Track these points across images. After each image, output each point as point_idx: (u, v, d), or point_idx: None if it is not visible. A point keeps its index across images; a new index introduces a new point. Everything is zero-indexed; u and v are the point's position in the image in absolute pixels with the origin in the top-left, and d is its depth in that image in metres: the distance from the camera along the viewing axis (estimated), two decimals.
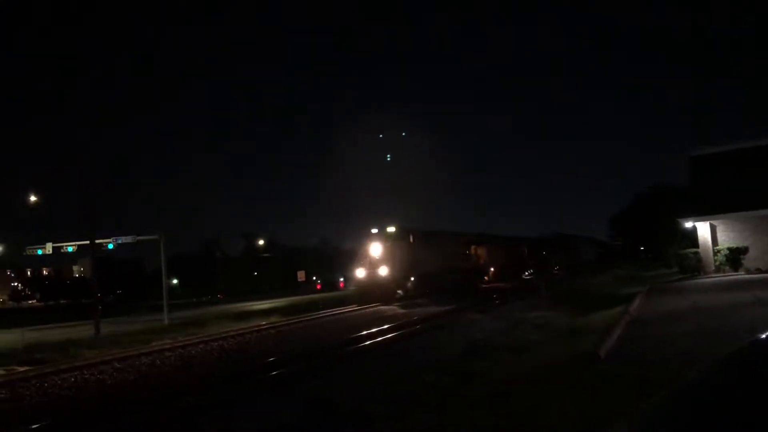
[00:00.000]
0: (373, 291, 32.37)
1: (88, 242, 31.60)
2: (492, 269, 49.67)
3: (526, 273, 58.60)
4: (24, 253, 36.08)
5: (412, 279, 35.25)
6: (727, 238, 30.77)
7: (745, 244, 29.97)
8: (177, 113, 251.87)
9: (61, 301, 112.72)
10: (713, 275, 29.50)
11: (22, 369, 16.75)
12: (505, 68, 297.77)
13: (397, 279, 33.61)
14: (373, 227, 35.03)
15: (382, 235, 34.47)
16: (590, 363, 9.92)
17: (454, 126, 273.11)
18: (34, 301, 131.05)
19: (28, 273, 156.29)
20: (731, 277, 27.80)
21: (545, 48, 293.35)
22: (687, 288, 24.09)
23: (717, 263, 30.41)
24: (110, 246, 33.22)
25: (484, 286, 44.88)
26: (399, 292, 33.72)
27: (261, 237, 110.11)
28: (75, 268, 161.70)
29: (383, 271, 33.05)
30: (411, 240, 36.05)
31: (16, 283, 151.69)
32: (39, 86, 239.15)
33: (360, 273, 34.17)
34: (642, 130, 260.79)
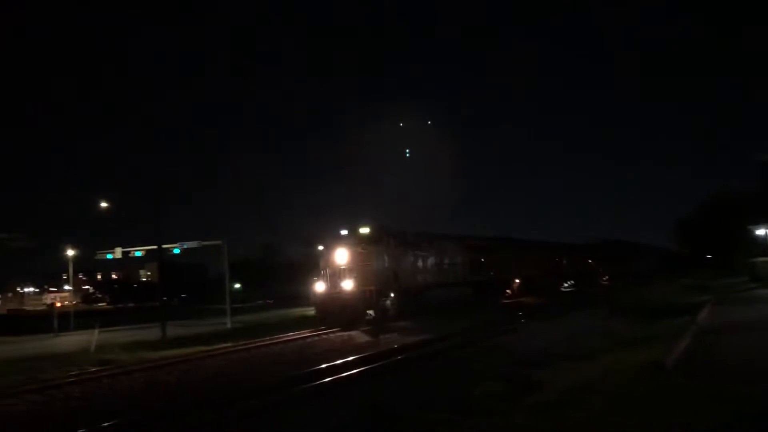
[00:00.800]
0: (333, 311, 25.50)
1: (155, 247, 32.59)
2: (517, 281, 42.06)
3: (566, 285, 51.99)
4: (95, 258, 37.53)
5: (392, 295, 27.60)
6: None
7: None
8: (226, 115, 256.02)
9: (129, 304, 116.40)
10: None
11: (93, 369, 17.40)
12: (549, 71, 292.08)
13: (368, 295, 25.92)
14: (343, 228, 28.37)
15: (352, 238, 27.46)
16: (657, 373, 9.67)
17: (484, 122, 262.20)
18: (104, 303, 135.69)
19: (98, 277, 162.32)
20: None
21: (592, 51, 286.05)
22: (758, 298, 23.24)
23: None
24: (176, 251, 34.13)
25: (505, 301, 38.16)
26: (369, 312, 26.15)
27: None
28: (142, 272, 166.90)
29: (347, 284, 25.72)
30: (390, 244, 28.57)
31: (87, 287, 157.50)
32: (101, 91, 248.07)
33: (319, 287, 26.68)
34: (699, 131, 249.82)
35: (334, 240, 27.60)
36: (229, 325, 31.41)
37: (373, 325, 24.90)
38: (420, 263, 31.08)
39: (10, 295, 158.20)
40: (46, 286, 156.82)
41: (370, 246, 27.14)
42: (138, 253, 35.07)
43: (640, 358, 11.88)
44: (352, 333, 23.49)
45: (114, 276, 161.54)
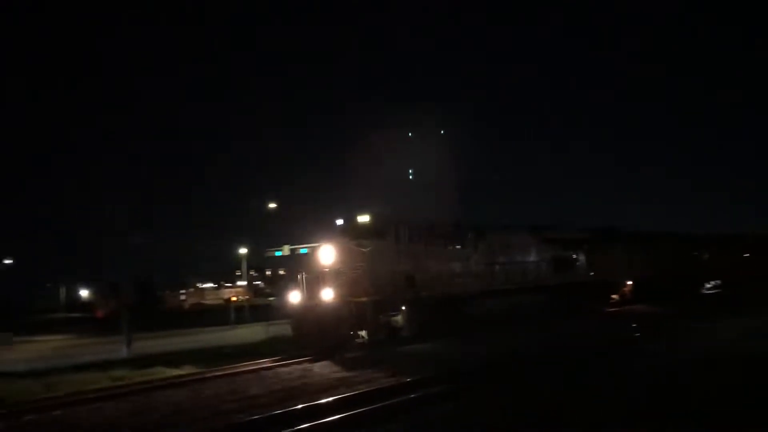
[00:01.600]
0: (312, 330, 18.69)
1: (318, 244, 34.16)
2: (629, 283, 33.74)
3: (708, 285, 42.71)
4: (265, 255, 40.09)
5: (404, 308, 20.00)
6: None
7: None
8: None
9: None
10: None
11: (267, 360, 18.57)
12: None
13: (360, 309, 18.64)
14: (339, 218, 21.79)
15: (348, 232, 20.75)
16: None
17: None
18: (273, 298, 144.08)
19: (267, 273, 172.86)
20: None
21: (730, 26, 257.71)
22: None
23: None
24: None
25: (610, 309, 30.67)
26: (361, 334, 19.17)
27: None
28: None
29: (326, 293, 18.60)
30: (402, 238, 20.94)
31: (258, 282, 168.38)
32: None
33: (294, 298, 19.60)
34: None
35: (327, 233, 21.16)
36: None
37: (368, 351, 18.29)
38: (457, 264, 23.12)
39: (191, 290, 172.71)
40: (222, 282, 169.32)
41: (370, 240, 19.94)
42: (303, 251, 36.92)
43: None
44: (311, 366, 16.44)
45: (281, 272, 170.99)
